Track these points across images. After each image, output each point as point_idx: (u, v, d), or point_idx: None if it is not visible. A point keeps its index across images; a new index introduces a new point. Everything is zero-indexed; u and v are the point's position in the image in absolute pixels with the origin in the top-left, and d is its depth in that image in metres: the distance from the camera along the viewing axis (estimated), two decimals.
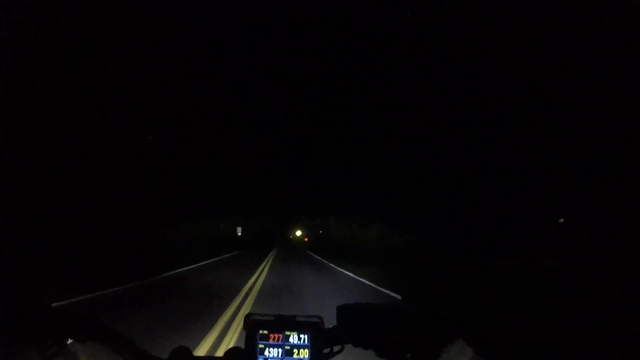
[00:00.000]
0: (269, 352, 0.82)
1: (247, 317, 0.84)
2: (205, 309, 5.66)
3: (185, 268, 12.66)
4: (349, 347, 0.84)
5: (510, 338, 4.39)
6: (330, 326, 0.85)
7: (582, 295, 7.57)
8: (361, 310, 0.84)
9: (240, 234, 38.05)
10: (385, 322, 0.82)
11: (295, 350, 0.82)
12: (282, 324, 0.83)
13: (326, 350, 0.83)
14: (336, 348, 0.83)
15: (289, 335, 0.82)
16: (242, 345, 0.84)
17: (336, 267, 15.55)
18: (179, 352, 0.79)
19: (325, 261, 19.75)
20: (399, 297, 7.58)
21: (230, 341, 4.08)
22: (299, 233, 59.55)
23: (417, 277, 12.50)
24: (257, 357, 0.82)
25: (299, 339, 0.83)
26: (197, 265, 14.19)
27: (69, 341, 0.71)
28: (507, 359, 3.36)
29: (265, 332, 0.83)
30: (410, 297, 7.57)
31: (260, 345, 0.82)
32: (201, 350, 3.66)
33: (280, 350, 0.82)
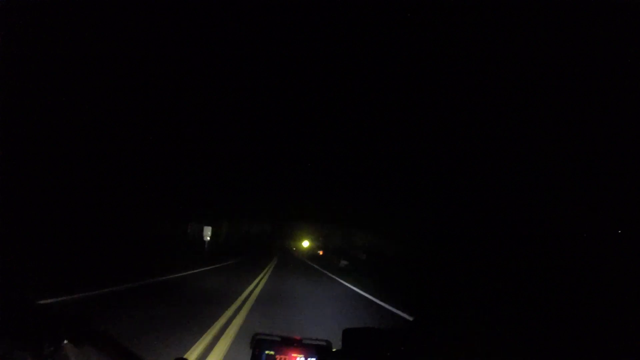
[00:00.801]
0: None
1: (254, 337, 0.83)
2: None
3: None
4: None
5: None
6: (335, 349, 0.83)
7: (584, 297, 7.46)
8: (367, 334, 0.83)
9: (208, 237, 18.83)
10: (390, 347, 0.81)
11: None
12: (288, 346, 0.81)
13: None
14: None
15: (295, 358, 0.80)
16: None
17: None
18: None
19: None
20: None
21: None
22: (306, 244, 41.83)
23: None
24: None
25: None
26: None
27: (65, 342, 0.71)
28: None
29: (272, 352, 0.80)
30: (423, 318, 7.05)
31: None
32: None
33: None
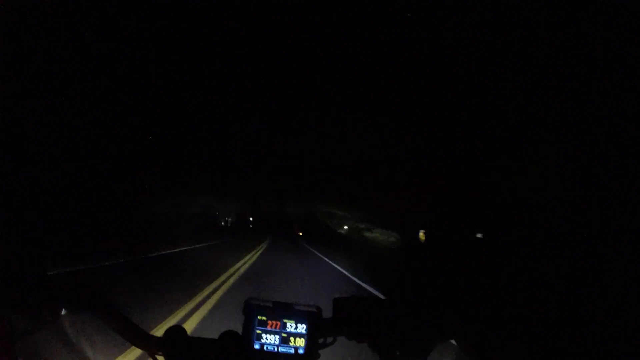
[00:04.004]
0: (266, 338, 0.83)
1: (247, 302, 0.85)
2: None
3: None
4: (341, 339, 0.85)
5: (507, 342, 4.28)
6: (326, 317, 0.86)
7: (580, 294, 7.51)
8: (357, 304, 0.85)
9: None
10: (379, 317, 0.83)
11: (292, 338, 0.83)
12: (280, 311, 0.84)
13: (320, 340, 0.84)
14: (329, 339, 0.84)
15: (286, 323, 0.83)
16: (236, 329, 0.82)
17: None
18: (174, 331, 0.79)
19: None
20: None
21: None
22: None
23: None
24: (254, 342, 0.82)
25: (296, 327, 0.83)
26: None
27: (63, 312, 0.72)
28: None
29: (264, 318, 0.83)
30: (401, 296, 7.32)
31: (258, 331, 0.83)
32: None
33: (277, 337, 0.83)
